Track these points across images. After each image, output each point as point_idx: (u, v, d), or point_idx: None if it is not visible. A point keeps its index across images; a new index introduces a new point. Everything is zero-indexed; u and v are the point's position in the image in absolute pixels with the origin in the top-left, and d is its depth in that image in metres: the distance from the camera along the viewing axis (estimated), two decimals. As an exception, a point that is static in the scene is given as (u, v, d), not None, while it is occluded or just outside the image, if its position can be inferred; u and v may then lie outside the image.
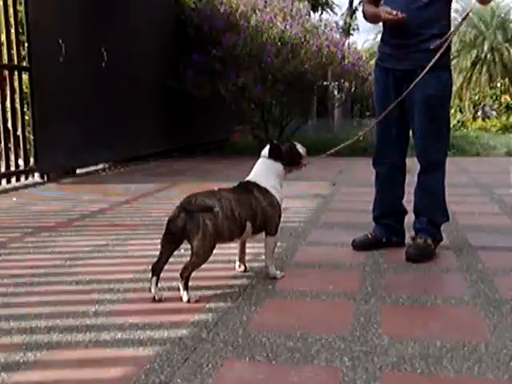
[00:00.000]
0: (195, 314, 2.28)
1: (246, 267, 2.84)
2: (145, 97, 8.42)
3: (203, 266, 2.42)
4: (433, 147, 3.08)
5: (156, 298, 2.40)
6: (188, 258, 2.40)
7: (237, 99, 9.02)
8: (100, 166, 7.79)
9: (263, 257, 2.80)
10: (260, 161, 2.75)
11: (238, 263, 2.84)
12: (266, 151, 2.75)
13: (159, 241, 2.45)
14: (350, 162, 8.53)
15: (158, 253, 2.44)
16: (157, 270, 2.42)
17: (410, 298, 2.46)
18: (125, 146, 7.90)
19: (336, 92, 11.67)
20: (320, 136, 11.56)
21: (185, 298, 2.39)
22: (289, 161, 2.75)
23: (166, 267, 2.45)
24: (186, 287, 2.39)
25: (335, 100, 12.24)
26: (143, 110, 8.35)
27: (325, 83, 10.57)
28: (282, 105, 10.21)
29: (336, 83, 10.91)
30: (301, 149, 2.81)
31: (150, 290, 2.43)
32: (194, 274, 2.41)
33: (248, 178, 2.71)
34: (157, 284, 2.42)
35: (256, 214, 2.58)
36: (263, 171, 2.70)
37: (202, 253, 2.36)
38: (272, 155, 2.73)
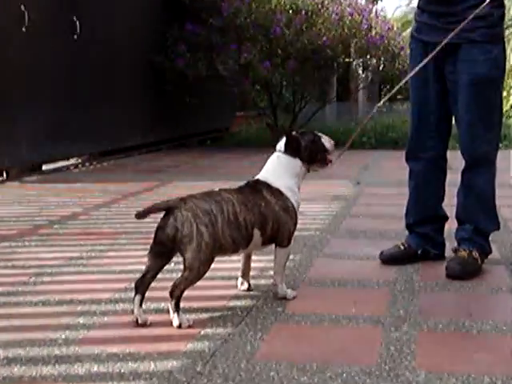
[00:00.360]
0: (188, 342, 2.27)
1: (250, 285, 2.84)
2: (126, 77, 8.44)
3: (198, 283, 2.43)
4: (481, 138, 3.07)
5: (140, 321, 2.40)
6: (180, 274, 2.40)
7: (239, 80, 9.03)
8: (71, 162, 7.82)
9: (271, 272, 2.80)
10: (274, 156, 2.75)
11: (240, 280, 2.84)
12: (281, 144, 2.74)
13: (145, 253, 2.45)
14: (377, 156, 8.54)
15: (143, 267, 2.44)
16: (141, 287, 2.41)
17: (451, 323, 2.46)
18: (102, 137, 7.92)
19: (360, 70, 11.65)
20: (341, 124, 11.57)
21: (175, 323, 2.39)
22: (311, 157, 2.75)
23: (153, 284, 2.45)
24: (177, 309, 2.39)
25: (359, 80, 12.24)
26: (124, 94, 8.37)
27: (347, 60, 10.57)
28: (294, 86, 10.22)
29: (360, 60, 10.89)
30: (327, 142, 2.80)
31: (132, 312, 2.43)
32: (186, 294, 2.41)
33: (258, 177, 2.71)
34: (141, 305, 2.42)
35: (266, 220, 2.57)
36: (277, 169, 2.70)
37: (196, 267, 2.36)
38: (289, 150, 2.72)
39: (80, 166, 7.69)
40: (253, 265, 2.89)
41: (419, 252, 3.29)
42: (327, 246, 3.68)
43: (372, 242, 3.74)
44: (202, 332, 2.36)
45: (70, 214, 4.59)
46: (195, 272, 2.37)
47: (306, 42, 8.96)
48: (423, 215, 3.32)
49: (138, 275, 2.45)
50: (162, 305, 2.57)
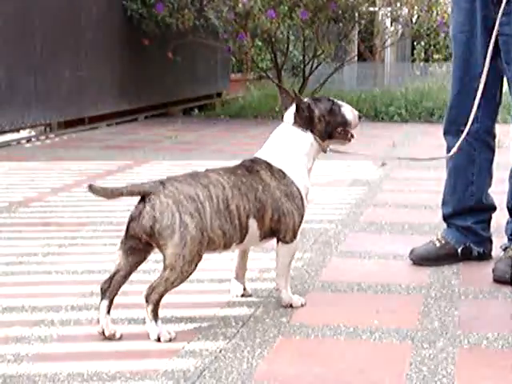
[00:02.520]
0: (169, 358, 2.28)
1: (245, 289, 2.85)
2: (93, 28, 8.41)
3: (182, 286, 2.43)
4: None
5: (107, 333, 2.41)
6: (158, 274, 2.41)
7: (235, 33, 9.01)
8: (23, 134, 7.81)
9: (273, 274, 2.81)
10: (279, 128, 2.74)
11: (234, 283, 2.85)
12: (289, 113, 2.74)
13: (115, 247, 2.45)
14: (407, 130, 8.54)
15: (113, 264, 2.44)
16: (110, 290, 2.42)
17: (498, 339, 2.46)
18: (62, 103, 7.91)
19: (388, 23, 11.62)
20: (363, 90, 11.55)
21: (153, 335, 2.39)
22: (326, 131, 2.74)
23: (125, 288, 2.46)
24: (155, 318, 2.40)
25: (386, 35, 12.19)
26: (91, 49, 8.35)
27: (371, 9, 10.54)
28: (304, 42, 10.19)
29: (388, 9, 10.86)
30: (349, 112, 2.78)
31: (98, 321, 2.44)
32: (167, 300, 2.42)
33: (256, 154, 2.71)
34: (108, 312, 2.42)
35: (264, 207, 2.58)
36: (281, 144, 2.70)
37: (179, 266, 2.36)
38: (299, 120, 2.71)
39: (34, 139, 7.68)
40: (250, 264, 2.90)
41: (459, 250, 3.30)
42: (344, 241, 3.68)
43: (400, 237, 3.75)
44: (187, 347, 2.37)
45: (21, 199, 4.59)
46: (177, 272, 2.37)
47: (319, -14, 8.93)
48: (464, 204, 3.32)
49: (107, 275, 2.46)
50: (137, 313, 2.58)
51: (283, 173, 2.64)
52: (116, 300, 2.44)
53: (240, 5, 8.67)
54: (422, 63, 18.31)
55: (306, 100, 2.75)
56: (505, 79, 3.20)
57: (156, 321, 2.39)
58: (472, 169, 3.30)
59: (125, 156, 6.40)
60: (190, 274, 2.41)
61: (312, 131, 2.71)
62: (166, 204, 2.36)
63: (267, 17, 8.75)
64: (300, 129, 2.71)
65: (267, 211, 2.58)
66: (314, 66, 10.27)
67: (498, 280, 3.03)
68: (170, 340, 2.40)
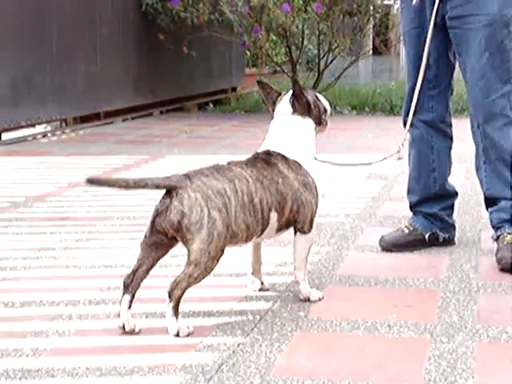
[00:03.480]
0: (187, 353, 2.28)
1: (263, 283, 2.85)
2: (108, 23, 8.43)
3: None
4: (495, 92, 3.15)
5: (127, 327, 2.42)
6: (176, 269, 2.41)
7: (250, 27, 9.00)
8: (39, 129, 7.83)
9: (290, 268, 2.81)
10: (280, 120, 2.77)
11: (251, 278, 2.85)
12: (283, 106, 2.77)
13: (133, 243, 2.46)
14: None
15: (130, 260, 2.45)
16: (132, 285, 2.42)
17: (518, 332, 2.46)
18: (77, 98, 7.93)
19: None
20: (378, 83, 11.53)
21: (173, 330, 2.40)
22: (318, 115, 2.82)
23: (144, 282, 2.46)
24: (176, 313, 2.40)
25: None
26: (106, 44, 8.37)
27: (386, 2, 10.50)
28: (319, 36, 10.17)
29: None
30: (324, 101, 2.88)
31: (118, 315, 2.44)
32: (185, 294, 2.42)
33: (267, 147, 2.71)
34: (130, 307, 2.43)
35: (285, 200, 2.60)
36: (289, 135, 2.73)
37: (204, 262, 2.37)
38: (299, 108, 2.75)
39: (49, 134, 7.70)
40: (268, 259, 2.90)
41: (427, 236, 3.40)
42: (361, 236, 3.68)
43: (417, 231, 3.74)
44: (205, 341, 2.37)
45: (37, 194, 4.61)
46: (202, 268, 2.37)
47: (334, -20, 8.91)
48: (429, 191, 3.42)
49: (125, 270, 2.47)
50: (154, 307, 2.58)
51: (299, 164, 2.67)
52: (136, 294, 2.45)
53: (254, -2, 8.66)
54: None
55: (300, 86, 2.77)
56: (456, 71, 3.36)
57: (177, 317, 2.39)
58: (432, 156, 3.40)
59: (140, 151, 6.41)
60: (213, 269, 2.42)
61: (310, 118, 2.78)
62: (194, 199, 2.36)
63: (282, 11, 8.73)
64: (301, 117, 2.75)
65: (287, 203, 2.60)
66: (329, 60, 10.24)
67: (504, 268, 3.06)
68: (189, 335, 2.40)
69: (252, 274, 2.84)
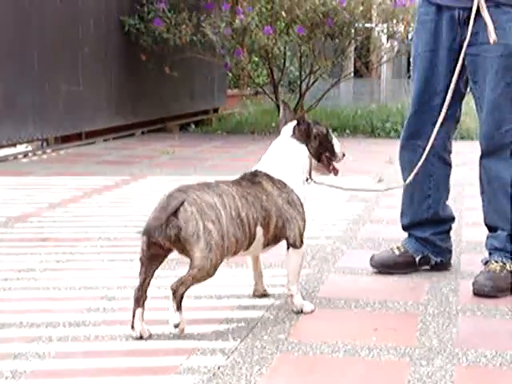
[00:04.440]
0: (168, 376, 2.28)
1: (265, 290, 3.02)
2: (91, 43, 8.43)
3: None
4: (508, 122, 3.15)
5: (144, 336, 2.55)
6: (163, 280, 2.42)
7: (232, 48, 9.04)
8: (20, 149, 7.80)
9: (271, 290, 2.81)
10: (277, 140, 2.91)
11: (253, 288, 3.02)
12: (288, 128, 2.91)
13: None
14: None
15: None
16: (143, 298, 2.56)
17: (496, 356, 2.47)
18: (59, 118, 7.91)
19: (384, 39, 11.66)
20: (359, 106, 11.58)
21: (175, 320, 2.48)
22: (317, 151, 2.93)
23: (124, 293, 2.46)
24: (179, 307, 2.49)
25: (383, 51, 12.24)
26: (88, 64, 8.37)
27: (367, 25, 10.57)
28: (301, 58, 10.22)
29: (385, 26, 10.90)
30: (338, 145, 3.01)
31: (132, 327, 2.55)
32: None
33: (256, 167, 2.85)
34: (143, 318, 2.56)
35: (269, 215, 2.73)
36: (280, 156, 2.87)
37: (207, 267, 2.50)
38: (297, 132, 2.89)
39: (30, 154, 7.67)
40: (247, 281, 2.95)
41: (417, 259, 3.39)
42: (341, 258, 3.68)
43: (398, 253, 3.75)
44: (185, 363, 2.37)
45: (18, 214, 4.58)
46: (205, 272, 2.52)
47: (316, 3, 8.96)
48: (421, 216, 3.41)
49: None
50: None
51: (283, 183, 2.80)
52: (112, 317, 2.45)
53: (237, 21, 8.70)
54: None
55: (305, 116, 2.95)
56: (465, 99, 3.36)
57: (180, 311, 2.49)
58: (428, 183, 3.39)
59: (122, 171, 6.39)
60: (213, 275, 2.55)
61: (307, 145, 2.90)
62: (190, 212, 2.48)
63: (264, 33, 8.78)
64: (297, 141, 2.88)
65: (272, 219, 2.74)
66: (311, 81, 10.28)
67: (477, 293, 3.08)
68: (183, 331, 2.52)
69: (255, 285, 3.01)
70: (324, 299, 3.04)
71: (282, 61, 10.18)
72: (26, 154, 7.61)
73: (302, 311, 2.82)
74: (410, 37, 11.11)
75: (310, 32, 9.23)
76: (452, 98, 3.21)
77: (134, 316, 2.55)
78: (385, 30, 10.98)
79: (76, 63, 8.14)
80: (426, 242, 3.40)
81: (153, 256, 2.54)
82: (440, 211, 3.42)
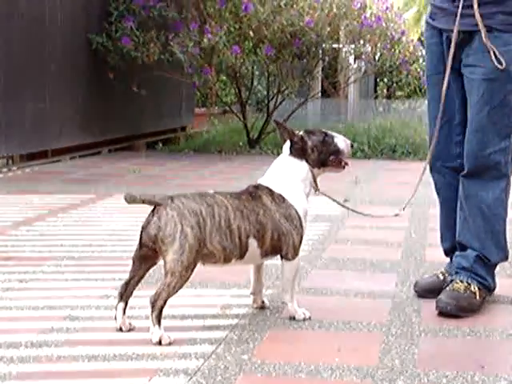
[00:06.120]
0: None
1: (264, 302, 3.14)
2: (57, 61, 8.41)
3: (142, 323, 2.43)
4: (492, 146, 3.17)
5: (124, 329, 2.76)
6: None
7: (200, 67, 9.06)
8: (-16, 166, 7.75)
9: (235, 310, 2.81)
10: (278, 158, 3.08)
11: (252, 298, 3.11)
12: (287, 146, 3.06)
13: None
14: (370, 167, 8.60)
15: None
16: (126, 294, 2.75)
17: (458, 377, 2.49)
18: (24, 136, 7.87)
19: (351, 60, 11.76)
20: (326, 125, 11.63)
21: (155, 337, 2.62)
22: (320, 160, 3.06)
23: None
24: (159, 322, 2.63)
25: (350, 72, 12.34)
26: (54, 82, 8.34)
27: (335, 46, 10.66)
28: (268, 78, 10.28)
29: (352, 46, 11.00)
30: (341, 142, 3.09)
31: (115, 318, 2.76)
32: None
33: (259, 181, 3.02)
34: (124, 312, 2.76)
35: (264, 229, 2.88)
36: (281, 172, 3.02)
37: (178, 270, 2.63)
38: (294, 151, 3.03)
39: (-4, 172, 7.62)
40: (212, 301, 2.95)
41: None
42: (306, 278, 3.69)
43: (362, 274, 3.76)
44: (147, 385, 2.37)
45: (-19, 233, 4.55)
46: (177, 277, 2.64)
47: (284, 23, 9.01)
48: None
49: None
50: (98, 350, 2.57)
51: (283, 197, 2.95)
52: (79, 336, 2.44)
53: (205, 40, 8.73)
54: (384, 100, 18.56)
55: (300, 133, 3.04)
56: None
57: (160, 325, 2.64)
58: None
59: (88, 190, 6.37)
60: (188, 279, 2.68)
61: (307, 160, 3.03)
62: (170, 215, 2.66)
63: (232, 52, 8.82)
64: (296, 158, 3.02)
65: (267, 232, 2.87)
66: (278, 101, 10.34)
67: (441, 311, 3.11)
68: (170, 344, 2.65)
69: (253, 294, 3.11)
70: (287, 320, 3.04)
71: (250, 80, 10.24)
72: (-11, 171, 7.55)
73: (294, 318, 2.98)
74: (377, 58, 11.24)
75: (278, 52, 9.29)
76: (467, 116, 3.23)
77: (116, 309, 2.76)
78: (352, 51, 11.09)
79: (42, 80, 8.11)
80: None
81: (143, 257, 2.73)
82: None
